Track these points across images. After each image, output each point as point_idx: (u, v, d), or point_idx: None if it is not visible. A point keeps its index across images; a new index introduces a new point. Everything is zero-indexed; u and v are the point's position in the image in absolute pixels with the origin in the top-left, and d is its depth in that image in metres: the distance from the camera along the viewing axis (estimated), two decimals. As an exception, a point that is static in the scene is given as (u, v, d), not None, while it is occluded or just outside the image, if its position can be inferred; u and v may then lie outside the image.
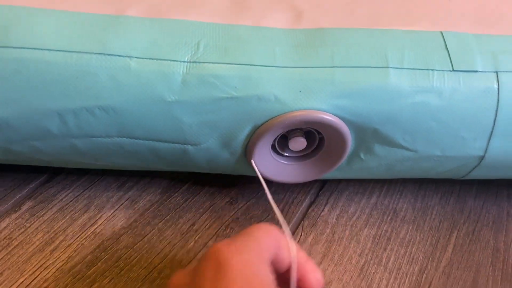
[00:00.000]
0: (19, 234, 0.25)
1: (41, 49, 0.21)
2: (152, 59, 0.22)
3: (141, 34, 0.22)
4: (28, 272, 0.23)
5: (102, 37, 0.22)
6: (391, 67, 0.22)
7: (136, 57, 0.22)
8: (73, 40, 0.21)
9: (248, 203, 0.28)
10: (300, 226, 0.27)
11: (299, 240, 0.26)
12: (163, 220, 0.26)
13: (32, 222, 0.26)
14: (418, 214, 0.28)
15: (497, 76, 0.23)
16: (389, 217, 0.28)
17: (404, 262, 0.26)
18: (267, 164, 0.24)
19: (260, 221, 0.27)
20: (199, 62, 0.22)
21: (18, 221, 0.26)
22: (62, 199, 0.27)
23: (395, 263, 0.26)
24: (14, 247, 0.25)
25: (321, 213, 0.28)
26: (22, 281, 0.23)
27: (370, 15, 0.24)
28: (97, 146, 0.23)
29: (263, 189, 0.22)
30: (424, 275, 0.25)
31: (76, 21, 0.22)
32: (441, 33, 0.24)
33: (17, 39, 0.21)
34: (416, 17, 0.25)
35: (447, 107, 0.23)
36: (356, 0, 0.25)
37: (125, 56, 0.21)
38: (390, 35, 0.24)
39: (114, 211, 0.27)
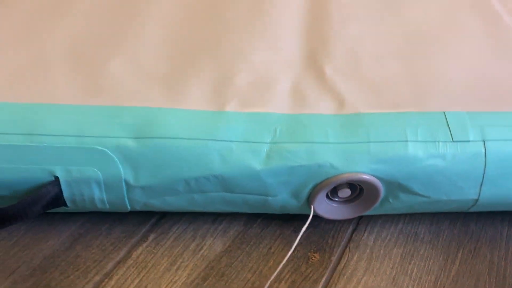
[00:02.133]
0: (151, 258, 0.36)
1: (175, 138, 0.32)
2: (247, 142, 0.32)
3: (238, 124, 0.33)
4: (163, 285, 0.35)
5: (212, 128, 0.33)
6: (409, 141, 0.33)
7: (236, 141, 0.32)
8: (194, 131, 0.32)
9: (307, 231, 0.38)
10: (347, 248, 0.37)
11: (347, 259, 0.36)
12: (249, 245, 0.37)
13: (158, 249, 0.37)
14: (433, 236, 0.38)
15: (484, 143, 0.33)
16: (412, 239, 0.38)
17: (424, 273, 0.36)
18: (323, 207, 0.34)
19: (317, 243, 0.37)
20: (277, 142, 0.33)
21: (148, 248, 0.37)
22: (175, 231, 0.38)
23: (417, 273, 0.36)
24: (150, 267, 0.36)
25: (362, 237, 0.38)
26: (161, 291, 0.34)
27: (393, 100, 0.35)
28: (208, 198, 0.34)
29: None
30: (439, 282, 0.35)
31: (195, 117, 0.33)
32: (444, 113, 0.34)
33: (158, 131, 0.32)
34: (425, 100, 0.35)
35: (449, 166, 0.33)
36: (381, 89, 0.36)
37: (228, 141, 0.32)
38: (407, 116, 0.34)
39: (213, 239, 0.38)
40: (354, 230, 0.39)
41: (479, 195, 0.34)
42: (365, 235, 0.38)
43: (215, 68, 0.37)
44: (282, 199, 0.34)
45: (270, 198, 0.34)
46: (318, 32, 0.41)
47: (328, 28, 0.41)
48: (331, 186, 0.33)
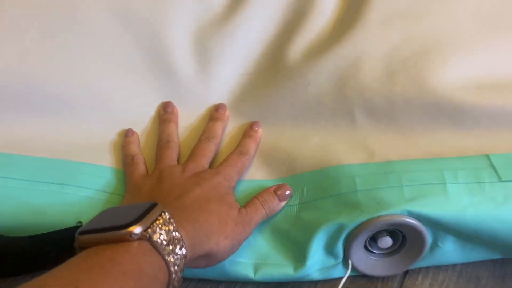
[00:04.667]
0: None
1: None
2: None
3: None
4: None
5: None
6: (448, 183, 0.30)
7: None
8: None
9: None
10: (399, 297, 0.35)
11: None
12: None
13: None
14: (497, 281, 0.34)
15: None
16: (473, 284, 0.34)
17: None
18: (362, 261, 0.32)
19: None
20: (304, 202, 0.32)
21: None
22: None
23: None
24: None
25: (416, 282, 0.35)
26: None
27: (427, 146, 0.32)
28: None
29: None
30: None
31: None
32: (487, 156, 0.31)
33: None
34: (463, 146, 0.31)
35: (503, 210, 0.29)
36: (413, 136, 0.33)
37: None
38: (445, 162, 0.31)
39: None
40: (405, 274, 0.36)
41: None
42: (419, 279, 0.35)
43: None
44: (318, 259, 0.32)
45: (306, 262, 0.31)
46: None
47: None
48: (366, 234, 0.31)
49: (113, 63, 0.38)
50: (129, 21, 0.38)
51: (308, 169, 0.33)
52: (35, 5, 0.37)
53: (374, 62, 0.36)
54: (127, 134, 0.37)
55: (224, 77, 0.39)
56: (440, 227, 0.30)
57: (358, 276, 0.35)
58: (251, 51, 0.39)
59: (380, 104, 0.35)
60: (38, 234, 0.31)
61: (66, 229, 0.31)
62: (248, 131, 0.37)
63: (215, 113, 0.38)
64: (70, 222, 0.32)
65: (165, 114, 0.38)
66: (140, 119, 0.39)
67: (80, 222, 0.32)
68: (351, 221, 0.30)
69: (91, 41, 0.38)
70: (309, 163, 0.33)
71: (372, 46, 0.36)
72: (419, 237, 0.31)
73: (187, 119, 0.39)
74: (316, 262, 0.32)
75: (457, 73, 0.35)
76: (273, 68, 0.38)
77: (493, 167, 0.30)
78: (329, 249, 0.32)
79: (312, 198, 0.31)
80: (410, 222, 0.30)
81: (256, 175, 0.34)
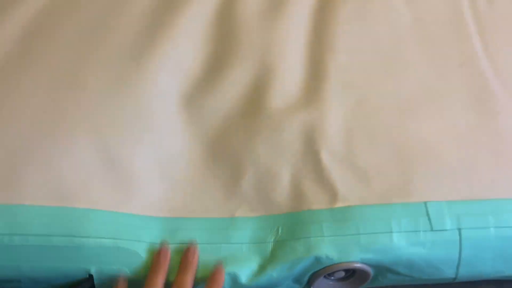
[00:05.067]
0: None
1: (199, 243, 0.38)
2: (258, 243, 0.38)
3: (247, 229, 0.38)
4: None
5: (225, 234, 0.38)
6: (394, 232, 0.38)
7: (246, 243, 0.38)
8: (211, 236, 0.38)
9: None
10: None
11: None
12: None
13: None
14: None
15: (459, 231, 0.38)
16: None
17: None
18: (321, 286, 0.40)
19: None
20: (279, 241, 0.38)
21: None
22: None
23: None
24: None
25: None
26: None
27: (381, 192, 0.39)
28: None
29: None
30: None
31: (212, 224, 0.39)
32: (425, 203, 0.39)
33: (182, 238, 0.38)
34: (408, 192, 0.40)
35: (429, 253, 0.38)
36: (367, 179, 0.40)
37: (240, 244, 0.38)
38: (393, 208, 0.39)
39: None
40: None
41: (456, 275, 0.39)
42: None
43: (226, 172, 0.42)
44: (286, 285, 0.39)
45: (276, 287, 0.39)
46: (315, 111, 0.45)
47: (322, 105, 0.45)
48: (327, 273, 0.38)
49: None
50: None
51: (283, 211, 0.39)
52: None
53: (335, 118, 0.44)
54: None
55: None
56: (382, 268, 0.39)
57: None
58: (234, 102, 0.45)
59: (341, 150, 0.42)
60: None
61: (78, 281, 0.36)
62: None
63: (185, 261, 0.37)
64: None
65: (157, 262, 0.37)
66: None
67: (91, 275, 0.37)
68: (318, 265, 0.38)
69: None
70: (283, 204, 0.40)
71: (334, 106, 0.45)
72: (365, 275, 0.39)
73: None
74: (285, 286, 0.39)
75: (404, 128, 0.44)
76: (253, 117, 0.44)
77: (428, 216, 0.38)
78: (298, 278, 0.39)
79: (285, 238, 0.38)
80: (362, 267, 0.38)
81: (238, 212, 0.40)
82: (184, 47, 0.49)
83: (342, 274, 0.40)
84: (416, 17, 0.55)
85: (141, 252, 0.37)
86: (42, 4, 0.51)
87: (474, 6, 0.57)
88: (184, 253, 0.37)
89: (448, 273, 0.39)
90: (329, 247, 0.37)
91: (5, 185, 0.38)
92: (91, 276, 0.37)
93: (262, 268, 0.38)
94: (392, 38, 0.52)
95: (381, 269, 0.39)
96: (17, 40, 0.48)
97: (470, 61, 0.51)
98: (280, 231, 0.39)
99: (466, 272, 0.39)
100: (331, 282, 0.41)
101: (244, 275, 0.37)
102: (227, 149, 0.43)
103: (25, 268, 0.36)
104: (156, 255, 0.37)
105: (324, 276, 0.40)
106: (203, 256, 0.37)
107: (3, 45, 0.47)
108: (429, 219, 0.38)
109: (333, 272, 0.39)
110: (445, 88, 0.47)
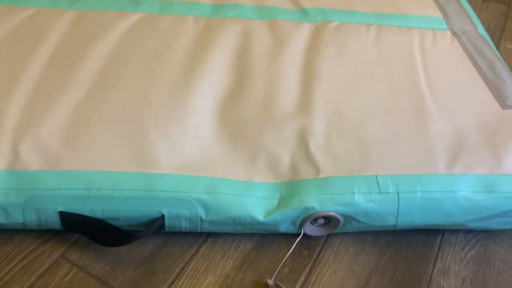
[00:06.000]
0: (210, 253, 0.63)
1: (232, 194, 0.59)
2: (269, 198, 0.59)
3: (262, 189, 0.60)
4: (219, 268, 0.61)
5: (248, 189, 0.59)
6: (355, 193, 0.59)
7: (261, 198, 0.59)
8: (240, 191, 0.59)
9: (301, 240, 0.65)
10: (323, 247, 0.64)
11: (323, 253, 0.63)
12: (267, 246, 0.64)
13: (212, 250, 0.63)
14: (374, 241, 0.65)
15: (398, 194, 0.59)
16: (361, 242, 0.65)
17: (367, 260, 0.63)
18: (308, 229, 0.61)
19: (306, 245, 0.64)
20: (283, 197, 0.59)
21: (208, 247, 0.64)
22: (220, 243, 0.65)
23: (364, 261, 0.63)
24: (210, 259, 0.62)
25: (332, 241, 0.65)
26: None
27: (347, 169, 0.61)
28: (244, 227, 0.61)
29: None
30: (375, 266, 0.62)
31: (238, 184, 0.59)
32: (376, 176, 0.60)
33: (221, 190, 0.59)
34: (367, 167, 0.61)
35: (378, 207, 0.59)
36: (341, 159, 0.62)
37: (257, 197, 0.59)
38: (356, 178, 0.60)
39: (244, 242, 0.64)
40: (327, 237, 0.65)
41: (396, 223, 0.61)
42: (334, 240, 0.65)
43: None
44: (285, 226, 0.60)
45: (280, 227, 0.60)
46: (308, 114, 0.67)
47: (312, 110, 0.67)
48: (313, 218, 0.59)
49: None
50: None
51: (285, 179, 0.61)
52: None
53: (318, 123, 0.66)
54: None
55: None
56: (348, 217, 0.60)
57: (302, 239, 0.64)
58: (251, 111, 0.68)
59: (323, 142, 0.64)
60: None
61: (154, 218, 0.58)
62: None
63: None
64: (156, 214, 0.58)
65: None
66: None
67: (163, 214, 0.57)
68: (307, 212, 0.59)
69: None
70: (285, 175, 0.61)
71: (318, 115, 0.68)
72: (337, 221, 0.61)
73: None
74: (284, 227, 0.61)
75: (364, 129, 0.66)
76: (264, 120, 0.66)
77: (378, 183, 0.60)
78: (293, 221, 0.60)
79: (286, 196, 0.59)
80: (335, 215, 0.59)
81: (256, 178, 0.61)
82: (215, 74, 0.72)
83: (322, 221, 0.61)
84: (379, 54, 0.78)
85: (193, 200, 0.58)
86: (114, 45, 0.74)
87: (422, 46, 0.81)
88: None
89: (391, 221, 0.61)
90: (314, 201, 0.59)
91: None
92: (162, 215, 0.58)
93: (271, 212, 0.59)
94: (360, 69, 0.75)
95: (348, 218, 0.60)
96: (102, 69, 0.70)
97: (415, 86, 0.74)
98: (282, 192, 0.60)
99: (402, 221, 0.61)
100: (314, 227, 0.62)
101: (260, 216, 0.59)
102: (246, 140, 0.65)
103: (123, 211, 0.57)
104: None
105: (310, 222, 0.61)
106: (234, 202, 0.58)
107: (94, 73, 0.69)
108: (378, 185, 0.60)
109: (316, 219, 0.60)
110: (395, 103, 0.70)
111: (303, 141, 0.64)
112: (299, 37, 0.80)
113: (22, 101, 0.64)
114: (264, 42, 0.78)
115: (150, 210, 0.58)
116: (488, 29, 1.07)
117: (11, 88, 0.65)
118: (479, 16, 1.10)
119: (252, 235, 0.64)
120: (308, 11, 0.86)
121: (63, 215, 0.56)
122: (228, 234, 0.64)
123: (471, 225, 0.63)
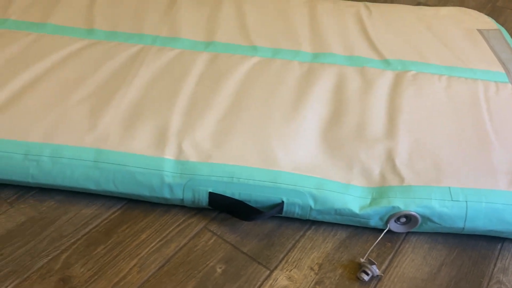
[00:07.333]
0: (315, 239, 0.80)
1: (330, 191, 0.77)
2: (363, 197, 0.77)
3: (357, 191, 0.78)
4: (322, 248, 0.79)
5: (347, 188, 0.78)
6: (433, 199, 0.76)
7: (358, 197, 0.77)
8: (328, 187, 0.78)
9: (384, 235, 0.81)
10: (403, 241, 0.80)
11: (402, 246, 0.79)
12: (356, 239, 0.81)
13: (315, 237, 0.81)
14: (444, 241, 0.80)
15: (466, 203, 0.76)
16: (434, 241, 0.80)
17: (438, 256, 0.78)
18: (393, 226, 0.78)
19: (389, 238, 0.80)
20: (373, 198, 0.77)
21: (309, 235, 0.81)
22: (321, 231, 0.82)
23: (434, 256, 0.78)
24: (314, 241, 0.80)
25: (410, 238, 0.81)
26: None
27: (424, 179, 0.78)
28: (337, 219, 0.79)
29: (390, 231, 0.76)
30: (445, 260, 0.78)
31: (330, 184, 0.78)
32: (449, 188, 0.77)
33: (323, 186, 0.78)
34: (441, 179, 0.78)
35: (450, 212, 0.76)
36: (420, 172, 0.80)
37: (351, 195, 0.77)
38: (431, 188, 0.77)
39: (340, 232, 0.81)
40: (406, 235, 0.81)
41: (464, 226, 0.77)
42: (412, 237, 0.81)
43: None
44: (375, 221, 0.78)
45: (370, 220, 0.77)
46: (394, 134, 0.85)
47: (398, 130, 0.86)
48: (397, 216, 0.76)
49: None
50: None
51: (376, 185, 0.79)
52: None
53: (402, 145, 0.85)
54: None
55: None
56: (425, 218, 0.77)
57: (386, 234, 0.81)
58: (347, 133, 0.86)
59: (406, 160, 0.82)
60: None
61: (275, 204, 0.77)
62: None
63: None
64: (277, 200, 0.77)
65: None
66: None
67: (283, 201, 0.77)
68: (393, 211, 0.76)
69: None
70: (376, 182, 0.79)
71: (401, 140, 0.87)
72: (416, 220, 0.77)
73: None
74: (373, 222, 0.78)
75: (437, 148, 0.83)
76: (358, 141, 0.85)
77: (450, 193, 0.76)
78: (381, 217, 0.77)
79: (376, 197, 0.77)
80: (415, 214, 0.76)
81: (352, 182, 0.79)
82: (317, 104, 0.93)
83: (404, 220, 0.77)
84: (449, 98, 0.97)
85: (306, 193, 0.77)
86: (240, 79, 0.97)
87: (486, 94, 0.99)
88: None
89: (459, 224, 0.77)
90: (399, 202, 0.76)
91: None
92: (282, 201, 0.77)
93: (364, 208, 0.76)
94: (434, 108, 0.94)
95: (425, 218, 0.77)
96: (234, 95, 0.92)
97: (479, 123, 0.91)
98: (374, 194, 0.78)
99: (469, 226, 0.77)
100: (397, 224, 0.79)
101: (356, 209, 0.77)
102: (344, 154, 0.84)
103: (254, 195, 0.77)
104: None
105: (395, 220, 0.78)
106: (336, 197, 0.76)
107: (228, 98, 0.91)
108: (450, 195, 0.77)
109: (399, 217, 0.77)
110: (462, 135, 0.88)
111: (390, 157, 0.82)
112: (384, 80, 1.00)
113: (181, 114, 0.87)
114: (355, 83, 0.99)
115: (274, 197, 0.77)
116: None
117: (172, 105, 0.88)
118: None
119: (347, 226, 0.82)
120: (390, 62, 1.06)
121: (212, 195, 0.77)
122: (327, 224, 0.82)
123: (526, 234, 0.78)
